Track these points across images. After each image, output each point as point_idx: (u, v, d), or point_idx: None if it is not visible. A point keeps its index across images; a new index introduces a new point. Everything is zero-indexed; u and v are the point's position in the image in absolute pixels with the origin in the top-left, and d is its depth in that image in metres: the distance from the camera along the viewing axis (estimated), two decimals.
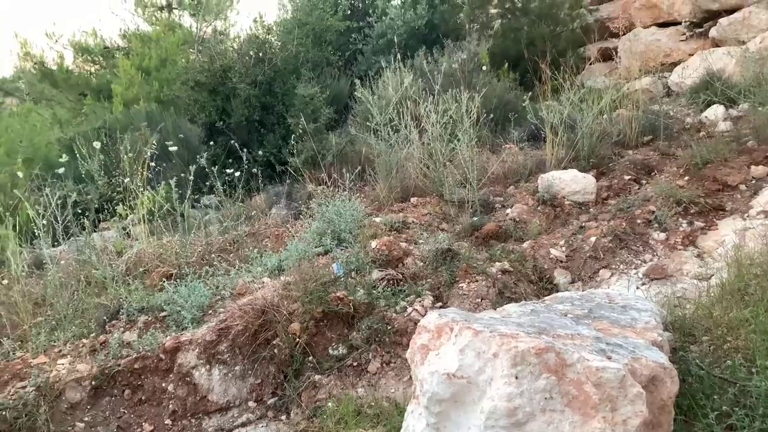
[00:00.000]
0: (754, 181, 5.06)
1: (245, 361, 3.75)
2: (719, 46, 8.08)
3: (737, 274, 3.56)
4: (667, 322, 3.26)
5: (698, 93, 7.03)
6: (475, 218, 5.40)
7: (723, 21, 7.98)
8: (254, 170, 6.48)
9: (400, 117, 6.57)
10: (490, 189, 6.12)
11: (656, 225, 4.82)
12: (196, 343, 3.78)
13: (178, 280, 4.66)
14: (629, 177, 5.69)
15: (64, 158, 5.84)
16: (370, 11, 11.16)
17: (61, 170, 5.88)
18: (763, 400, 2.27)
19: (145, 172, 5.76)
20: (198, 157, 6.14)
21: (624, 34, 8.88)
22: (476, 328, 1.92)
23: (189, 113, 9.07)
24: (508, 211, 5.56)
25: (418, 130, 6.49)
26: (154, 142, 6.29)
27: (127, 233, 6.19)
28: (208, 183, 6.49)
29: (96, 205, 6.40)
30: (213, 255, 5.30)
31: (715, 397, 2.38)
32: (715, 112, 6.50)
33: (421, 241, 5.04)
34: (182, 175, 5.71)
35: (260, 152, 7.79)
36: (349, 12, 11.11)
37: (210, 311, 4.18)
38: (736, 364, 2.63)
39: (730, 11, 7.96)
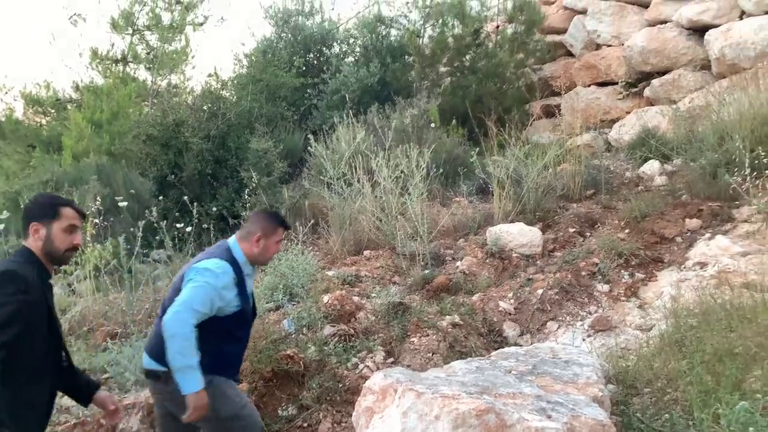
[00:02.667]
0: (689, 234, 5.33)
1: None
2: (653, 105, 8.60)
3: (675, 325, 3.71)
4: (610, 375, 3.35)
5: (635, 149, 7.42)
6: (426, 271, 5.47)
7: (655, 82, 8.53)
8: (205, 225, 6.42)
9: (353, 171, 6.69)
10: (440, 242, 6.22)
11: (600, 277, 4.99)
12: (139, 407, 3.65)
13: (123, 339, 4.51)
14: (574, 230, 5.90)
15: (4, 214, 5.66)
16: (325, 68, 11.44)
17: (0, 226, 5.69)
18: None
19: (90, 228, 5.63)
20: (147, 211, 6.05)
21: (566, 92, 9.37)
22: (419, 389, 1.94)
23: (140, 167, 8.97)
24: (458, 263, 5.66)
25: (370, 183, 6.61)
26: (100, 197, 6.18)
27: (72, 290, 6.00)
28: (158, 237, 6.39)
29: None
30: None
31: None
32: (652, 167, 6.86)
33: (373, 295, 5.06)
34: (132, 229, 5.61)
35: (213, 206, 7.75)
36: (304, 68, 11.35)
37: None
38: (675, 417, 2.72)
39: (662, 73, 8.52)
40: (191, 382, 2.45)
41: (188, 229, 5.92)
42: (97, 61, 14.87)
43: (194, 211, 6.39)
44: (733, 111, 5.79)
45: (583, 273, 5.03)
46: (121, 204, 6.09)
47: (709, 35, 7.71)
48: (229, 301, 2.65)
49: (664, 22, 8.66)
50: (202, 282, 2.57)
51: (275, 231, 2.86)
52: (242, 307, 2.71)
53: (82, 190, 7.77)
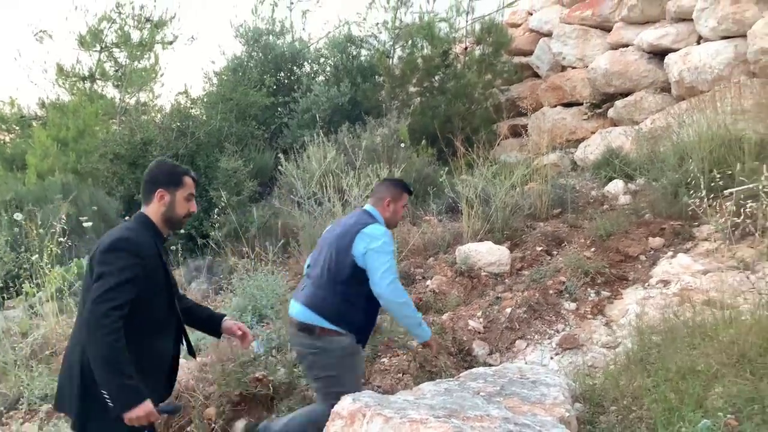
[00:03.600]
0: (652, 252, 5.45)
1: None
2: (617, 126, 8.84)
3: (639, 342, 3.78)
4: (577, 394, 3.39)
5: (600, 168, 7.60)
6: None
7: (618, 103, 8.77)
8: (172, 247, 6.34)
9: (323, 190, 6.68)
10: (411, 261, 6.25)
11: (567, 295, 5.06)
12: None
13: None
14: (541, 248, 5.99)
15: None
16: (296, 87, 11.46)
17: None
18: None
19: (54, 248, 5.50)
20: None
21: (532, 112, 9.55)
22: (387, 414, 1.94)
23: (107, 186, 8.83)
24: (428, 282, 5.68)
25: (341, 202, 6.61)
26: (64, 215, 6.05)
27: (35, 312, 5.83)
28: None
29: (0, 283, 6.02)
30: None
31: None
32: (616, 186, 7.03)
33: None
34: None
35: None
36: (275, 87, 11.35)
37: None
38: None
39: (625, 94, 8.77)
40: (427, 331, 3.12)
41: None
42: (64, 77, 14.67)
43: None
44: (692, 132, 5.98)
45: (551, 291, 5.10)
46: (85, 224, 5.98)
47: (669, 59, 7.98)
48: None
49: (626, 45, 8.94)
50: (386, 248, 2.96)
51: (401, 196, 3.25)
52: None
53: (46, 210, 7.59)
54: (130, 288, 2.20)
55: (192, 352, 2.74)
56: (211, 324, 2.80)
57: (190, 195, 2.52)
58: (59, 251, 5.62)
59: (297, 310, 3.08)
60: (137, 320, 2.23)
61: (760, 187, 3.31)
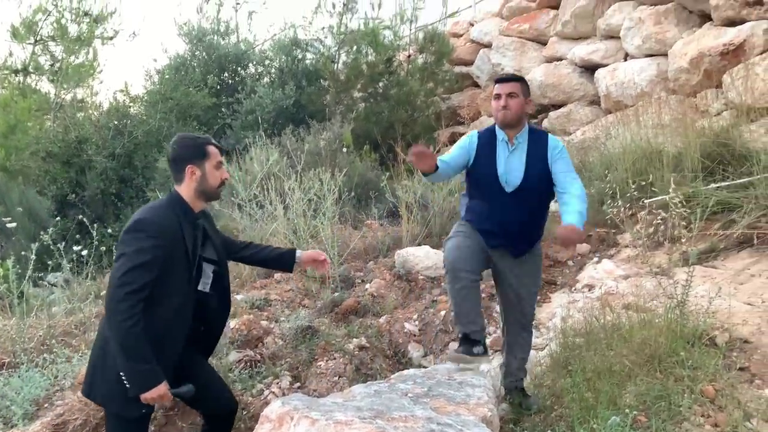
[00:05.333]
0: (579, 258, 5.74)
1: None
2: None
3: (563, 344, 3.99)
4: (502, 395, 3.57)
5: None
6: (335, 294, 5.55)
7: (552, 114, 9.16)
8: (103, 248, 6.17)
9: (265, 193, 6.68)
10: (351, 264, 6.33)
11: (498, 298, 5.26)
12: None
13: (11, 369, 4.26)
14: None
15: None
16: (240, 88, 11.36)
17: None
18: None
19: None
20: (43, 232, 5.75)
21: (471, 121, 9.82)
22: (314, 416, 2.02)
23: (38, 184, 8.51)
24: (368, 286, 5.78)
25: (283, 206, 6.62)
26: None
27: None
28: (55, 259, 6.08)
29: None
30: (55, 340, 4.92)
31: None
32: None
33: (282, 319, 5.07)
34: (23, 253, 5.31)
35: (116, 227, 7.47)
36: (218, 87, 11.22)
37: (46, 404, 3.86)
38: None
39: (558, 106, 9.17)
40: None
41: (84, 252, 5.66)
42: None
43: (94, 233, 6.14)
44: (617, 144, 6.33)
45: (484, 295, 5.29)
46: (9, 225, 5.76)
47: (599, 73, 8.40)
48: None
49: (560, 59, 9.35)
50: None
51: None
52: None
53: None
54: (147, 270, 2.25)
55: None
56: (282, 260, 2.95)
57: (218, 163, 2.55)
58: None
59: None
60: (154, 295, 2.31)
61: (668, 198, 3.57)
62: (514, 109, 3.03)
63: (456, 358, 3.08)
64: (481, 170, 3.11)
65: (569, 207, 2.91)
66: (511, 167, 3.06)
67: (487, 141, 3.11)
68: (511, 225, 3.11)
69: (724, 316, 3.54)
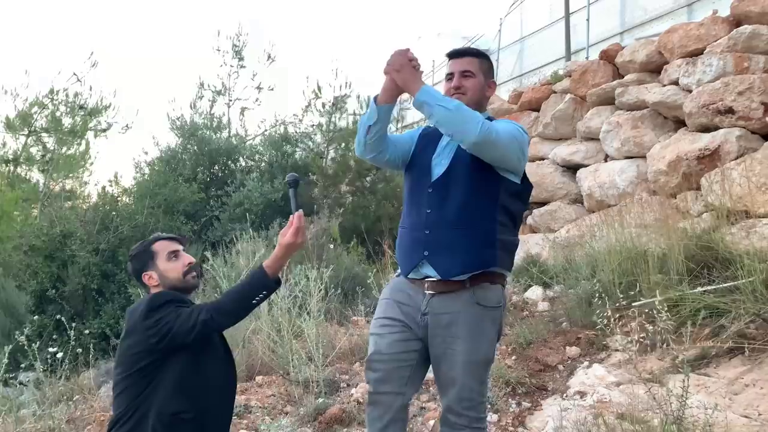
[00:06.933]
0: (569, 361, 5.61)
1: None
2: (535, 233, 9.31)
3: None
4: None
5: (521, 274, 7.89)
6: (319, 400, 5.33)
7: (536, 211, 9.30)
8: (79, 350, 5.93)
9: None
10: (336, 366, 6.13)
11: (489, 406, 5.08)
12: None
13: None
14: None
15: None
16: (229, 181, 11.52)
17: None
18: None
19: None
20: (17, 333, 5.56)
21: None
22: None
23: (18, 279, 8.35)
24: (353, 390, 5.56)
25: (267, 302, 6.50)
26: None
27: None
28: (28, 359, 5.83)
29: None
30: None
31: None
32: (535, 292, 7.30)
33: (263, 428, 4.83)
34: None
35: (95, 324, 7.26)
36: (208, 180, 11.38)
37: None
38: None
39: (542, 203, 9.33)
40: None
41: (59, 355, 5.43)
42: None
43: (71, 332, 5.93)
44: (602, 244, 6.39)
45: None
46: None
47: (580, 173, 8.64)
48: None
49: (543, 158, 9.63)
50: None
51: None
52: None
53: None
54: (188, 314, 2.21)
55: None
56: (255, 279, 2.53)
57: (170, 254, 2.42)
58: None
59: None
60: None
61: (656, 303, 3.56)
62: (470, 92, 2.33)
63: None
64: (415, 162, 2.46)
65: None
66: (444, 153, 2.40)
67: (432, 131, 2.44)
68: (433, 227, 2.35)
69: (722, 430, 3.44)
